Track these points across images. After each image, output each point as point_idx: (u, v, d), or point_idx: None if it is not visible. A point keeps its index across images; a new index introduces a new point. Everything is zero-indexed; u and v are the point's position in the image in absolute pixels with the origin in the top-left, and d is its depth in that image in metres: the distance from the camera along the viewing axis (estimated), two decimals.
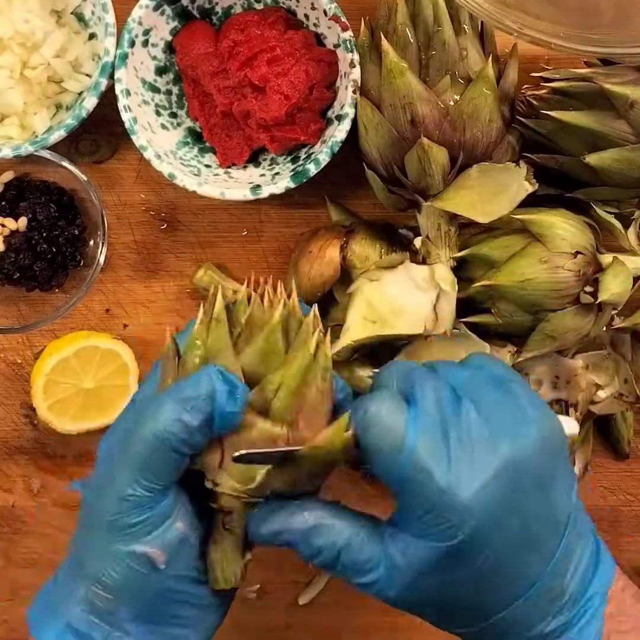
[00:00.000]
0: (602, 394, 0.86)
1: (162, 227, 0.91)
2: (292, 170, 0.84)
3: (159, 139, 0.85)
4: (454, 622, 0.63)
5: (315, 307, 0.62)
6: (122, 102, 0.82)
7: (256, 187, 0.83)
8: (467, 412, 0.59)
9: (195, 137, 0.88)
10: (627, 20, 0.75)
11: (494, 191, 0.79)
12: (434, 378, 0.62)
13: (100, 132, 0.89)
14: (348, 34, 0.81)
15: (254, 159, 0.88)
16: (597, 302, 0.76)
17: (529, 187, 0.78)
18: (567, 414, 0.85)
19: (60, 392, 0.88)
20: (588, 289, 0.77)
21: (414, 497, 0.58)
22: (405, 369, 0.63)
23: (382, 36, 0.77)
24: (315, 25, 0.85)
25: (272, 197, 0.83)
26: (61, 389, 0.88)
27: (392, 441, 0.58)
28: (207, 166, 0.87)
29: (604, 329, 0.83)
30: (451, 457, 0.57)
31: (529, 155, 0.81)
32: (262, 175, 0.87)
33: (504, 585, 0.59)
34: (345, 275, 0.83)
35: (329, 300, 0.84)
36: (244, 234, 0.91)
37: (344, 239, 0.83)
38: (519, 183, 0.78)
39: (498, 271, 0.77)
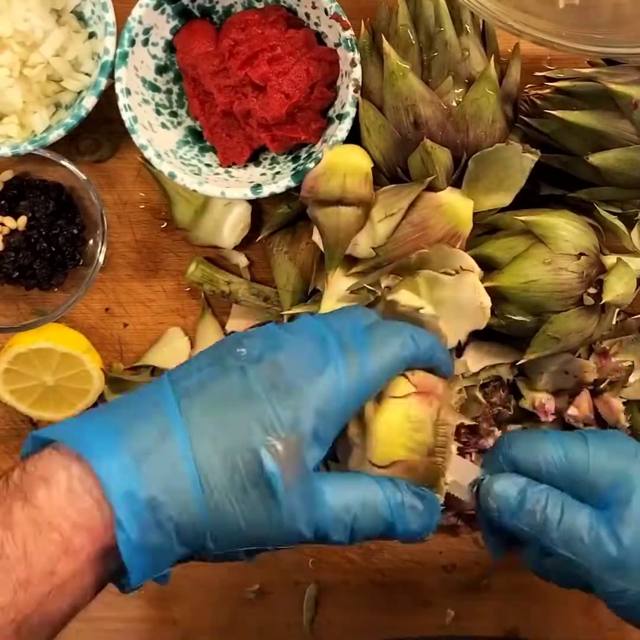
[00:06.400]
0: (632, 378, 0.86)
1: (163, 226, 0.91)
2: (293, 169, 0.84)
3: (159, 138, 0.85)
4: None
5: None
6: (122, 101, 0.82)
7: (257, 187, 0.82)
8: None
9: (196, 136, 0.88)
10: (628, 19, 0.75)
11: (502, 171, 0.78)
12: None
13: (101, 131, 0.88)
14: (349, 33, 0.81)
15: (254, 158, 0.88)
16: (601, 303, 0.76)
17: (531, 157, 0.77)
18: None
19: (22, 381, 0.89)
20: (591, 290, 0.77)
21: None
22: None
23: (384, 38, 0.77)
24: (316, 24, 0.84)
25: (273, 196, 0.82)
26: (23, 379, 0.89)
27: None
28: (208, 165, 0.86)
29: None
30: None
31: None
32: (263, 174, 0.86)
33: None
34: None
35: None
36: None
37: None
38: (519, 156, 0.77)
39: (501, 272, 0.77)
